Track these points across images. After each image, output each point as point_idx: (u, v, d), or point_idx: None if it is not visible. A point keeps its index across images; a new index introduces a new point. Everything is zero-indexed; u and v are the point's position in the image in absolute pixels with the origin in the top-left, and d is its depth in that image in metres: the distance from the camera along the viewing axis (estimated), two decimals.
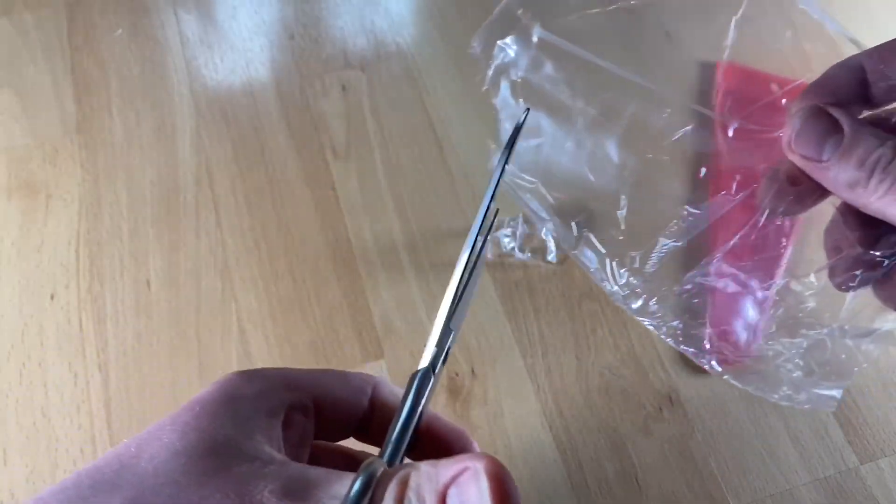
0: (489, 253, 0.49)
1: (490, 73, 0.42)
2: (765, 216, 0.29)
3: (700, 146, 0.45)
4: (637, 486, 0.42)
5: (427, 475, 0.21)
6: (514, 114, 0.41)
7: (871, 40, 0.60)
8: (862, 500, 0.42)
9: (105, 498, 0.20)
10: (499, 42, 0.42)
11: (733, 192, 0.52)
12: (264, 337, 0.46)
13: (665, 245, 0.44)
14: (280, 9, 0.61)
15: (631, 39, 0.58)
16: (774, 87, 0.57)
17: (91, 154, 0.53)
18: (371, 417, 0.27)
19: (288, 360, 0.46)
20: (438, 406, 0.44)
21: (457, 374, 0.45)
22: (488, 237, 0.28)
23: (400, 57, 0.58)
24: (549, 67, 0.43)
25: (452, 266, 0.50)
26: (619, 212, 0.44)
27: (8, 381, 0.44)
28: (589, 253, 0.42)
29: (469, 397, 0.44)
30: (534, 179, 0.43)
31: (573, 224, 0.42)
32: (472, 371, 0.45)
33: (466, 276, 0.27)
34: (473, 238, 0.27)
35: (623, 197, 0.45)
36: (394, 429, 0.24)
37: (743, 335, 0.46)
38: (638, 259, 0.43)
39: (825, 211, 0.50)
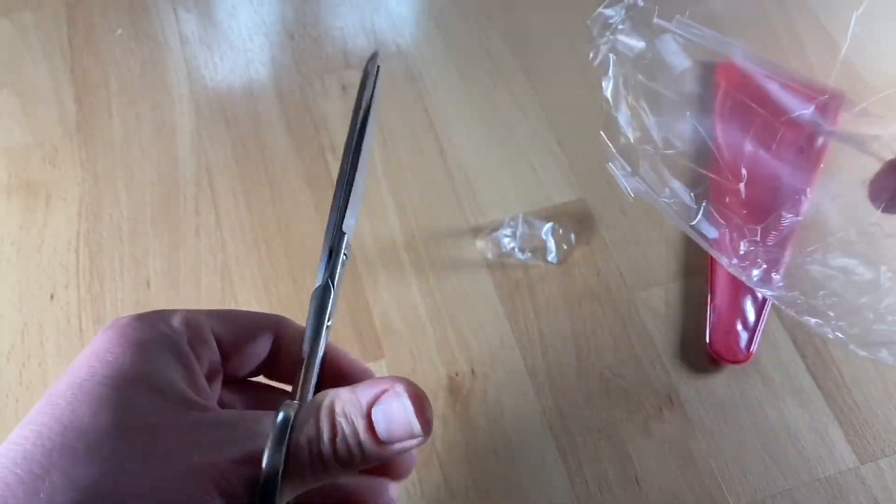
0: (490, 254, 0.49)
1: (602, 50, 0.42)
2: (881, 208, 0.30)
3: (818, 127, 0.46)
4: (637, 486, 0.42)
5: (350, 400, 0.22)
6: (620, 95, 0.42)
7: (871, 37, 0.60)
8: (862, 500, 0.42)
9: (69, 468, 0.20)
10: (613, 21, 0.42)
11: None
12: None
13: (786, 219, 0.44)
14: (280, 9, 0.61)
15: (752, 24, 0.58)
16: (774, 87, 0.57)
17: (91, 154, 0.53)
18: (278, 354, 0.27)
19: None
20: (439, 405, 0.44)
21: (457, 374, 0.45)
22: (367, 128, 0.29)
23: (400, 57, 0.58)
24: (662, 48, 0.44)
25: (453, 266, 0.51)
26: (740, 184, 0.45)
27: (8, 381, 0.44)
28: (707, 225, 0.42)
29: (469, 397, 0.44)
30: (650, 148, 0.43)
31: (691, 195, 0.42)
32: (472, 371, 0.45)
33: (349, 169, 0.27)
34: (356, 132, 0.28)
35: (743, 169, 0.46)
36: (305, 348, 0.25)
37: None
38: (759, 232, 0.43)
39: None
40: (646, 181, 0.42)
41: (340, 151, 0.53)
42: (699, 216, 0.41)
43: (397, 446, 0.22)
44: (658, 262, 0.49)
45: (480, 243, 0.49)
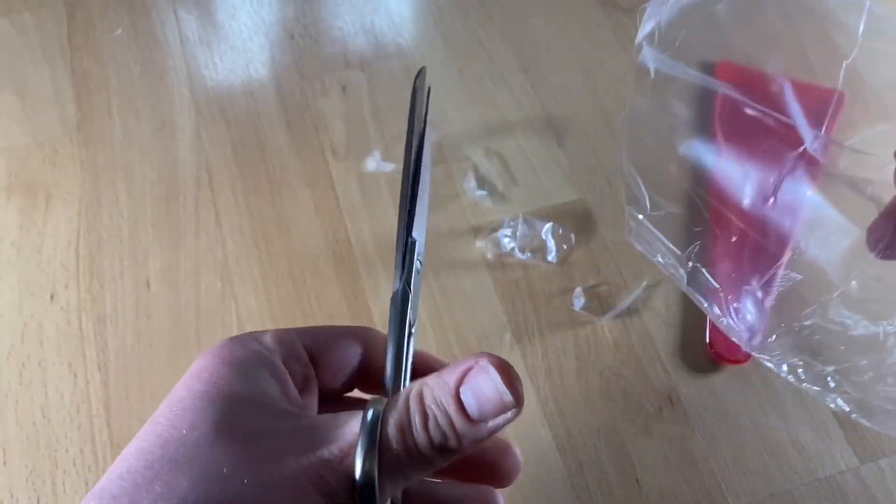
0: (490, 254, 0.49)
1: (643, 34, 0.42)
2: (879, 255, 0.29)
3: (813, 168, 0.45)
4: (637, 486, 0.42)
5: (437, 384, 0.22)
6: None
7: (871, 38, 0.60)
8: (862, 500, 0.42)
9: (170, 477, 0.20)
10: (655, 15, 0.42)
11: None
12: None
13: (783, 276, 0.43)
14: (280, 9, 0.61)
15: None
16: (774, 87, 0.57)
17: (91, 154, 0.53)
18: (369, 364, 0.27)
19: None
20: None
21: None
22: (425, 131, 0.28)
23: (400, 57, 0.58)
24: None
25: (452, 266, 0.51)
26: (732, 238, 0.44)
27: (8, 381, 0.44)
28: (700, 288, 0.41)
29: None
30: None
31: (683, 257, 0.42)
32: None
33: (411, 180, 0.27)
34: (414, 144, 0.28)
35: (738, 222, 0.45)
36: (390, 352, 0.25)
37: (745, 334, 0.46)
38: (757, 291, 0.42)
39: None
40: (638, 243, 0.42)
41: (341, 152, 0.53)
42: (691, 278, 0.41)
43: (491, 423, 0.22)
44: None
45: (480, 243, 0.49)
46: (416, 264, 0.27)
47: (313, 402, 0.26)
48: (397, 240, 0.27)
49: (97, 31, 0.59)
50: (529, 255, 0.49)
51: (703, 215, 0.50)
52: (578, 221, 0.51)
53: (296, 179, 0.52)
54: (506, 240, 0.49)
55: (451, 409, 0.22)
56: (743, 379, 0.45)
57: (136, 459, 0.21)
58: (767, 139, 0.54)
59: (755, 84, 0.56)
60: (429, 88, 0.31)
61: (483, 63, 0.58)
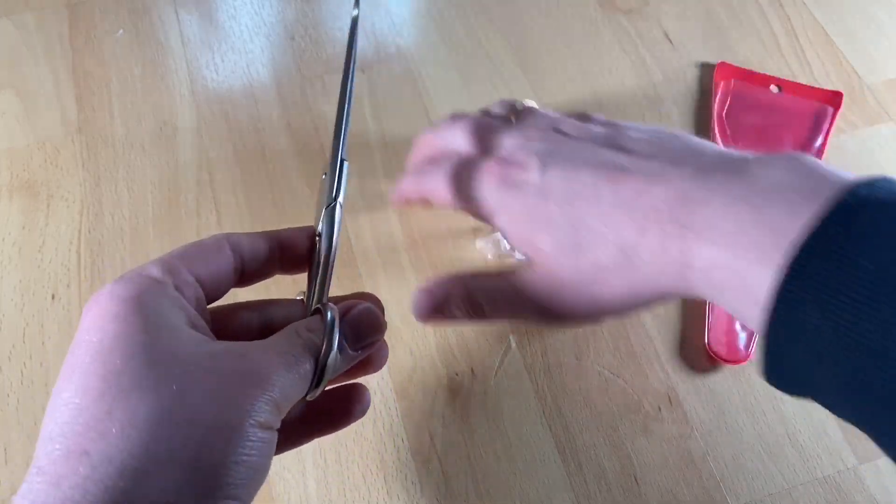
0: (490, 254, 0.49)
1: None
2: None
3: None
4: (637, 486, 0.42)
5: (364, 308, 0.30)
6: None
7: (870, 39, 0.60)
8: (861, 500, 0.42)
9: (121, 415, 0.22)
10: None
11: None
12: None
13: None
14: (281, 10, 0.61)
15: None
16: (773, 87, 0.57)
17: (92, 154, 0.53)
18: (242, 267, 0.30)
19: None
20: (439, 405, 0.44)
21: (457, 374, 0.45)
22: (352, 69, 0.35)
23: (400, 58, 0.58)
24: None
25: (452, 266, 0.51)
26: None
27: (9, 381, 0.44)
28: None
29: (469, 397, 0.44)
30: None
31: None
32: (472, 371, 0.45)
33: (347, 105, 0.33)
34: (349, 72, 0.34)
35: None
36: (317, 269, 0.31)
37: (743, 336, 0.46)
38: None
39: None
40: None
41: None
42: None
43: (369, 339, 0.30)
44: None
45: (480, 243, 0.50)
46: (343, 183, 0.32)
47: (207, 322, 0.28)
48: (330, 163, 0.32)
49: (98, 31, 0.59)
50: None
51: None
52: None
53: (297, 180, 0.52)
54: (505, 240, 0.49)
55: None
56: (742, 379, 0.45)
57: (81, 399, 0.22)
58: (765, 139, 0.54)
59: (754, 84, 0.56)
60: (354, 19, 0.37)
61: (483, 63, 0.58)
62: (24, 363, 0.45)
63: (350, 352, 0.28)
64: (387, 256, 0.49)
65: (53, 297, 0.47)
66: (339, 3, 0.61)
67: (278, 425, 0.25)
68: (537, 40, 0.60)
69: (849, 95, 0.56)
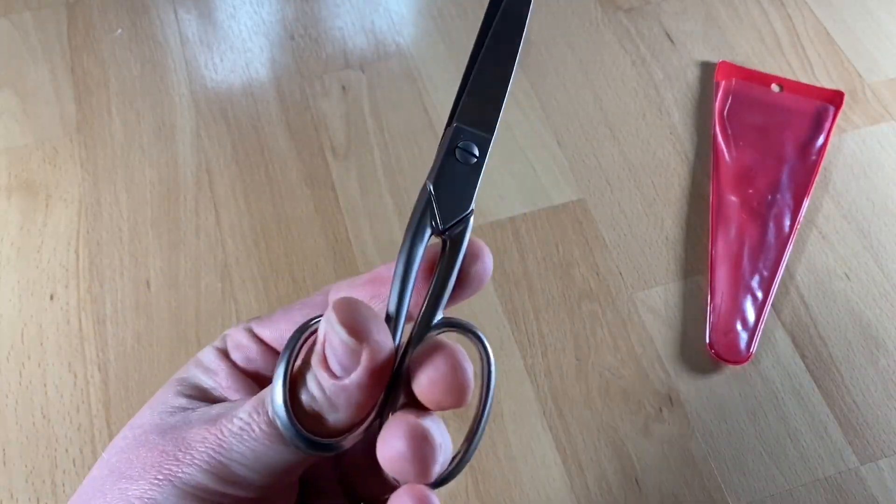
0: None
1: None
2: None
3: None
4: (637, 487, 0.42)
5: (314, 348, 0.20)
6: None
7: (871, 38, 0.60)
8: (862, 500, 0.42)
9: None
10: None
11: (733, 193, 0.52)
12: None
13: None
14: (280, 9, 0.61)
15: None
16: (774, 86, 0.57)
17: (91, 154, 0.53)
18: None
19: None
20: None
21: None
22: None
23: (400, 57, 0.58)
24: None
25: None
26: None
27: (8, 381, 0.44)
28: None
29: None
30: None
31: None
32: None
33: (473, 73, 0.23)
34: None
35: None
36: (399, 266, 0.21)
37: (743, 336, 0.46)
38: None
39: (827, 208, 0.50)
40: None
41: (340, 151, 0.53)
42: None
43: (354, 375, 0.19)
44: (658, 262, 0.49)
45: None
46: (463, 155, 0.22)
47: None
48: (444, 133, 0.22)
49: (97, 31, 0.59)
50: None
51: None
52: (578, 221, 0.51)
53: (296, 179, 0.52)
54: None
55: (319, 373, 0.19)
56: (743, 379, 0.45)
57: None
58: (766, 139, 0.54)
59: (755, 83, 0.56)
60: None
61: None
62: (23, 363, 0.45)
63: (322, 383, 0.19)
64: (387, 257, 0.49)
65: (52, 297, 0.47)
66: (339, 3, 0.61)
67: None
68: (538, 39, 0.59)
69: (850, 95, 0.56)
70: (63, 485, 0.41)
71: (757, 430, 0.44)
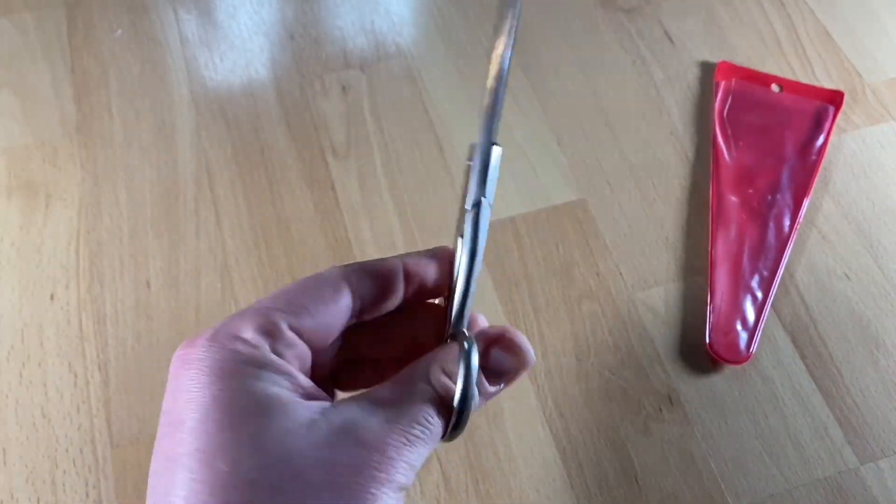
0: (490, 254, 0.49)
1: None
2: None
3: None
4: (637, 487, 0.42)
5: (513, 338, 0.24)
6: None
7: (871, 38, 0.60)
8: (862, 500, 0.42)
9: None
10: None
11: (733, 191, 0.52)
12: None
13: None
14: (280, 9, 0.61)
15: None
16: (774, 86, 0.57)
17: (91, 154, 0.53)
18: (361, 307, 0.25)
19: None
20: None
21: None
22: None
23: (400, 57, 0.58)
24: None
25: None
26: None
27: (8, 381, 0.44)
28: None
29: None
30: None
31: None
32: None
33: (502, 91, 0.24)
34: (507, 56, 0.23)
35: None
36: (456, 283, 0.24)
37: (743, 336, 0.46)
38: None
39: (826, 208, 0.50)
40: None
41: (340, 151, 0.53)
42: None
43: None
44: (658, 263, 0.49)
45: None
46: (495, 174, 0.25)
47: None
48: (479, 147, 0.24)
49: (97, 31, 0.59)
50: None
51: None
52: (578, 221, 0.51)
53: (296, 179, 0.52)
54: None
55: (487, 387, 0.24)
56: (742, 379, 0.45)
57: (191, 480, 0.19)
58: (766, 139, 0.54)
59: (755, 83, 0.56)
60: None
61: (483, 63, 0.58)
62: (23, 363, 0.45)
63: (489, 389, 0.23)
64: (386, 256, 0.49)
65: (52, 297, 0.47)
66: (339, 3, 0.61)
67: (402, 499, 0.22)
68: (538, 39, 0.59)
69: (850, 94, 0.56)
70: (63, 484, 0.41)
71: (757, 430, 0.44)
